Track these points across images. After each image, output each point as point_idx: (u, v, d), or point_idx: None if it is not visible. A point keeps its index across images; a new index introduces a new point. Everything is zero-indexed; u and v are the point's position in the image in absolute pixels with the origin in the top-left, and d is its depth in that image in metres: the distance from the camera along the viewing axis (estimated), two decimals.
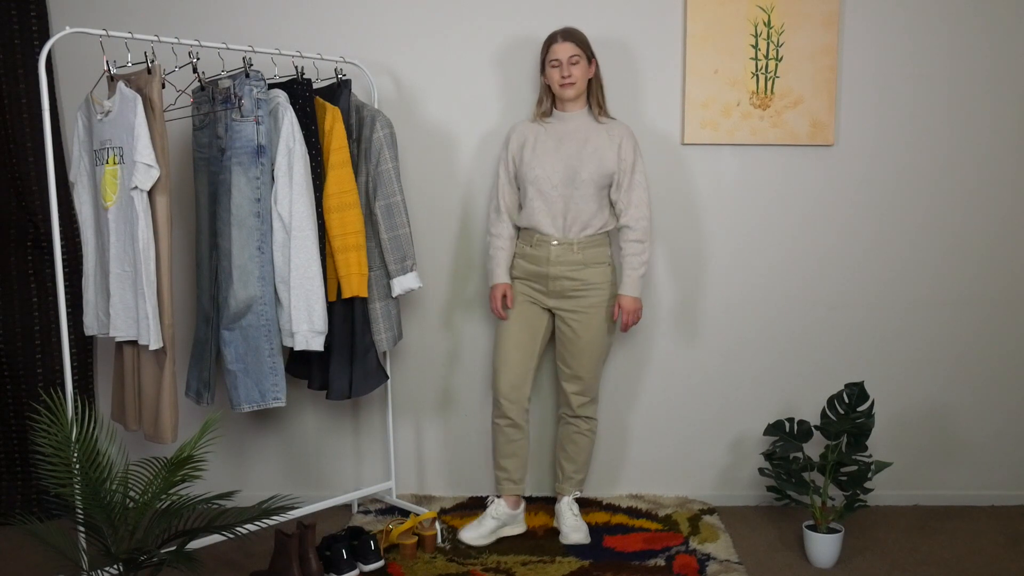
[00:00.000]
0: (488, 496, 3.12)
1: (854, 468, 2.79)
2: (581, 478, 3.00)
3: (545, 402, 3.26)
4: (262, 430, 3.29)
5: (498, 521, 2.94)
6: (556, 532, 2.96)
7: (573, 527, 2.89)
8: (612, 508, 3.17)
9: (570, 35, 2.77)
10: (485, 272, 3.09)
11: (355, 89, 2.89)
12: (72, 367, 2.83)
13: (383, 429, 3.27)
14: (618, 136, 2.81)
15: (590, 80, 2.82)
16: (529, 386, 2.91)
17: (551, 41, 2.79)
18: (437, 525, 2.88)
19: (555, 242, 2.81)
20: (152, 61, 2.38)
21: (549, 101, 2.87)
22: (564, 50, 2.75)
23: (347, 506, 3.21)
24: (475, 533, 2.90)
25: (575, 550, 2.83)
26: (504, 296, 2.88)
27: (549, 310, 2.89)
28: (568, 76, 2.75)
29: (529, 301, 2.88)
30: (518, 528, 2.97)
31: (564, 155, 2.79)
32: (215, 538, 2.45)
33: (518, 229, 2.92)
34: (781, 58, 3.08)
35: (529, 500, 3.24)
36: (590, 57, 2.81)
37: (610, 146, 2.79)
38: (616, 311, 2.83)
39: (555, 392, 3.25)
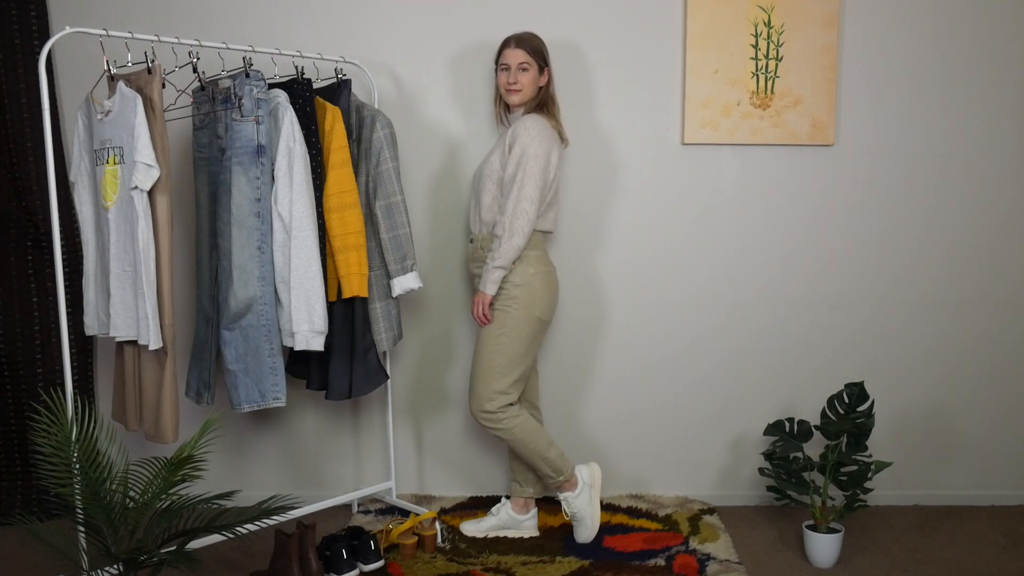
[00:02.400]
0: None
1: (854, 468, 2.79)
2: (542, 476, 2.85)
3: (545, 401, 3.26)
4: (262, 430, 3.29)
5: (497, 520, 2.95)
6: (556, 532, 2.97)
7: (574, 527, 2.89)
8: (612, 508, 3.17)
9: (523, 42, 2.73)
10: None
11: (355, 89, 2.89)
12: (72, 367, 2.83)
13: (383, 429, 3.27)
14: (514, 128, 2.71)
15: (541, 88, 2.78)
16: (522, 389, 2.89)
17: (504, 45, 2.76)
18: (437, 525, 2.88)
19: (472, 240, 2.85)
20: (152, 61, 2.38)
21: (501, 105, 2.88)
22: (514, 56, 2.73)
23: (347, 506, 3.21)
24: (472, 526, 2.95)
25: (576, 550, 2.83)
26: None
27: None
28: (514, 83, 2.73)
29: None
30: (526, 532, 2.95)
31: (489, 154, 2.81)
32: (215, 538, 2.45)
33: None
34: (781, 58, 3.08)
35: None
36: (543, 66, 2.76)
37: (509, 138, 2.72)
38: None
39: (547, 393, 3.25)
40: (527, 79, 2.74)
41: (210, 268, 2.68)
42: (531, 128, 2.68)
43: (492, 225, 2.76)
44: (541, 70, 2.77)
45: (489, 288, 2.70)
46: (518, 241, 2.66)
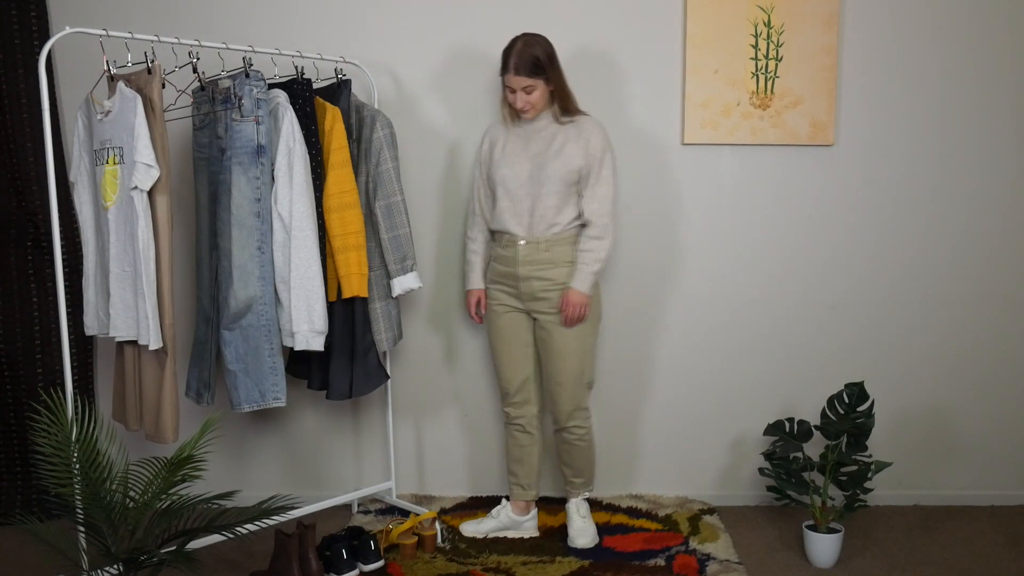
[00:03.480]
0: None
1: (854, 468, 2.79)
2: (583, 481, 2.96)
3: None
4: (262, 430, 3.29)
5: (497, 522, 2.95)
6: (556, 532, 2.97)
7: (579, 531, 2.88)
8: (612, 508, 3.17)
9: (521, 66, 2.63)
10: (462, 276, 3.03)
11: (355, 89, 2.89)
12: (72, 367, 2.83)
13: (383, 429, 3.27)
14: (587, 132, 2.73)
15: (552, 91, 2.73)
16: (534, 392, 2.89)
17: (504, 66, 2.67)
18: (437, 525, 2.88)
19: (522, 241, 2.76)
20: (152, 61, 2.38)
21: (507, 106, 2.79)
22: (517, 82, 2.66)
23: (347, 506, 3.21)
24: (473, 528, 2.95)
25: (576, 550, 2.83)
26: (479, 302, 2.91)
27: (528, 313, 2.84)
28: (523, 105, 2.69)
29: (508, 310, 2.84)
30: (526, 533, 2.96)
31: (531, 153, 2.75)
32: (215, 538, 2.45)
33: (492, 232, 2.88)
34: (781, 58, 3.08)
35: None
36: (548, 77, 2.68)
37: (578, 142, 2.71)
38: (561, 304, 2.74)
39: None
40: (536, 97, 2.69)
41: (210, 268, 2.68)
42: (600, 130, 2.75)
43: (559, 226, 2.73)
44: (547, 80, 2.69)
45: (590, 289, 2.73)
46: (612, 240, 2.74)
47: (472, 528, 2.95)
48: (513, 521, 2.95)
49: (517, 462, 2.95)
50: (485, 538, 2.92)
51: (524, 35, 2.71)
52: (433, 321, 3.25)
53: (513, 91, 2.69)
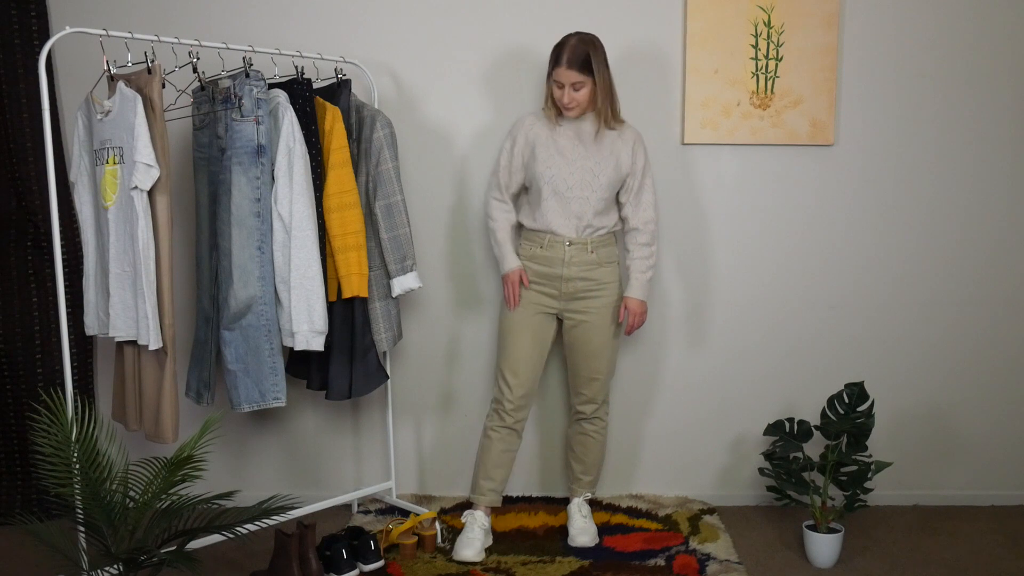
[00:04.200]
0: (465, 512, 2.89)
1: (854, 468, 2.79)
2: (591, 479, 2.98)
3: (550, 402, 3.26)
4: (262, 430, 3.29)
5: (485, 531, 2.84)
6: (556, 532, 2.97)
7: (580, 530, 2.88)
8: (612, 508, 3.17)
9: (574, 61, 2.61)
10: (495, 259, 2.95)
11: (355, 89, 2.89)
12: (72, 367, 2.83)
13: (383, 429, 3.27)
14: (631, 139, 2.78)
15: (600, 92, 2.70)
16: (534, 396, 2.89)
17: (556, 60, 2.64)
18: (437, 525, 2.88)
19: (569, 243, 2.77)
20: (152, 61, 2.38)
21: (555, 107, 2.76)
22: (568, 76, 2.63)
23: (347, 506, 3.21)
24: (473, 551, 2.76)
25: (576, 550, 2.83)
26: (521, 279, 2.79)
27: (556, 316, 2.85)
28: (569, 103, 2.67)
29: (536, 311, 2.82)
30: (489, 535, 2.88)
31: (580, 156, 2.74)
32: (215, 538, 2.45)
33: (526, 230, 2.87)
34: (781, 58, 3.08)
35: (530, 500, 3.26)
36: (598, 77, 2.66)
37: (624, 149, 2.76)
38: (622, 313, 2.82)
39: (560, 391, 3.25)
40: (582, 96, 2.67)
41: (210, 268, 2.68)
42: (642, 138, 2.83)
43: (605, 229, 2.78)
44: (598, 79, 2.66)
45: (645, 295, 2.83)
46: (658, 244, 2.85)
47: (471, 551, 2.76)
48: (488, 527, 2.86)
49: (499, 467, 2.85)
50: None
51: (578, 32, 2.70)
52: (433, 321, 3.25)
53: (561, 86, 2.67)
